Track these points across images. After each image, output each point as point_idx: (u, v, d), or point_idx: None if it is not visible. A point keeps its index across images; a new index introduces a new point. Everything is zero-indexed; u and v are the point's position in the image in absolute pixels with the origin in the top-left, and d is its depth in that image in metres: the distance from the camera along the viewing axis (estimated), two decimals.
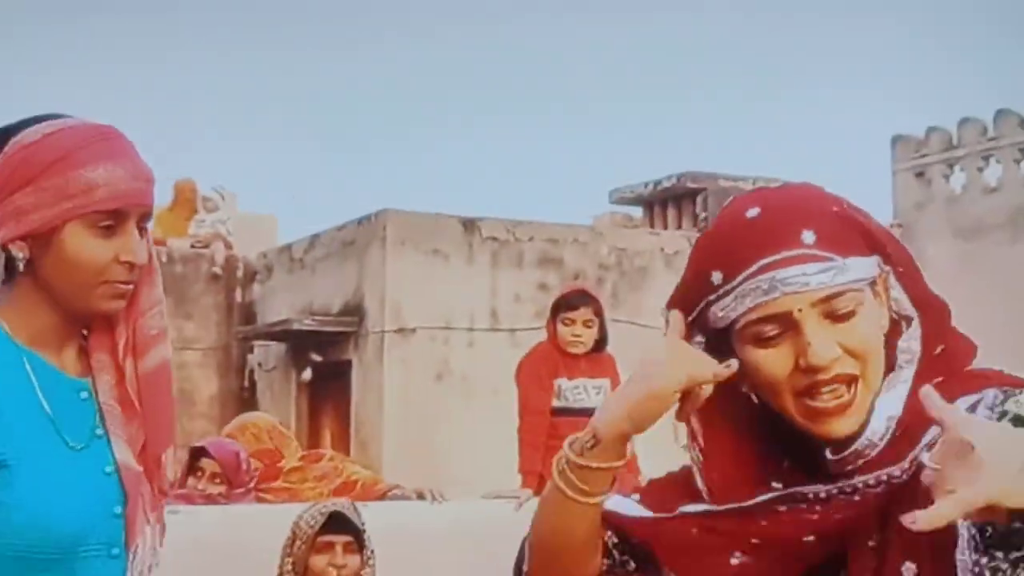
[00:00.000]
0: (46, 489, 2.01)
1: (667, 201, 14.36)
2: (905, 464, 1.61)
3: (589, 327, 6.04)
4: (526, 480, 5.76)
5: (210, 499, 5.26)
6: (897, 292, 1.69)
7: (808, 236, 1.61)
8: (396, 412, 11.21)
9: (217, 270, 14.18)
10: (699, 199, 14.06)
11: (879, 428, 1.63)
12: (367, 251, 12.08)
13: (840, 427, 1.62)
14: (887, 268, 1.68)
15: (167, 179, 14.92)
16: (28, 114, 2.09)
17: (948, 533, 1.52)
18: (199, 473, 5.30)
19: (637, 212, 15.69)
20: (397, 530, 5.03)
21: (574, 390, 5.90)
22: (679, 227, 14.15)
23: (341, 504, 4.20)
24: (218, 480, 5.31)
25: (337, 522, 4.09)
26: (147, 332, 2.15)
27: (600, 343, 6.10)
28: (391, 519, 5.14)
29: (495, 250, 12.19)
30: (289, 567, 4.06)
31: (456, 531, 5.22)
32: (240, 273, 14.31)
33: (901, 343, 1.68)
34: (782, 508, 1.65)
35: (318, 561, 4.04)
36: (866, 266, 1.64)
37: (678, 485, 1.79)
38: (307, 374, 12.84)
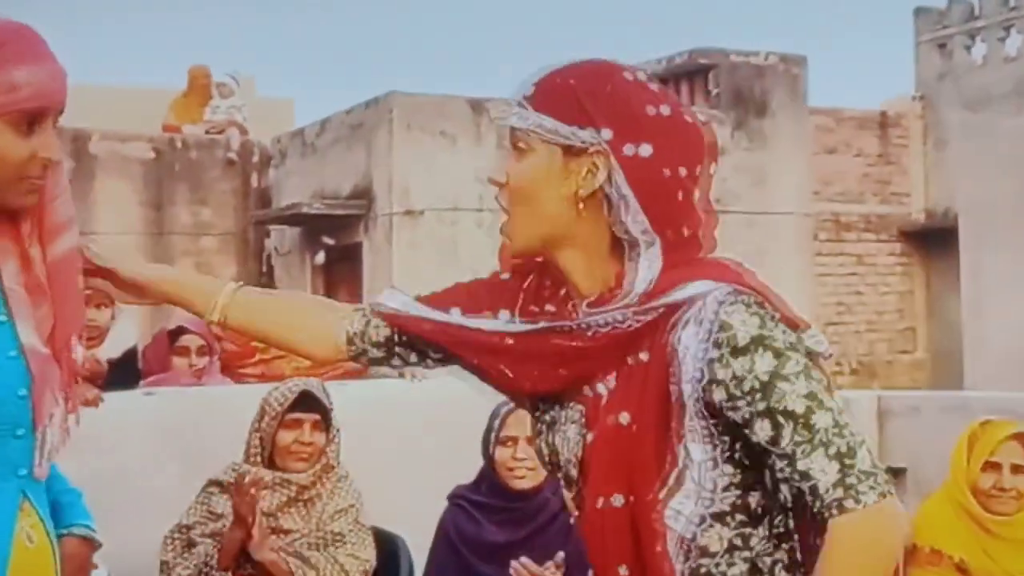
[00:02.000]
0: None
1: (679, 78, 14.23)
2: (630, 316, 1.96)
3: None
4: None
5: (198, 374, 5.35)
6: (618, 176, 1.95)
7: (528, 89, 2.03)
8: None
9: (232, 156, 14.21)
10: (711, 75, 13.93)
11: (639, 289, 1.96)
12: (375, 134, 12.07)
13: None
14: (602, 147, 1.95)
15: (182, 65, 14.93)
16: None
17: (659, 390, 1.94)
18: (184, 352, 5.39)
19: None
20: (377, 406, 5.12)
21: None
22: (692, 103, 14.04)
23: (311, 383, 4.26)
24: (204, 353, 5.41)
25: (306, 401, 4.15)
26: (54, 220, 2.20)
27: None
28: (371, 395, 5.23)
29: (503, 131, 12.12)
30: (256, 442, 4.13)
31: (433, 408, 5.29)
32: (256, 158, 14.33)
33: (628, 220, 1.96)
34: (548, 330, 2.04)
35: (285, 437, 4.11)
36: (561, 129, 1.98)
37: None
38: (320, 257, 12.93)
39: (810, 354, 1.99)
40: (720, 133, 13.30)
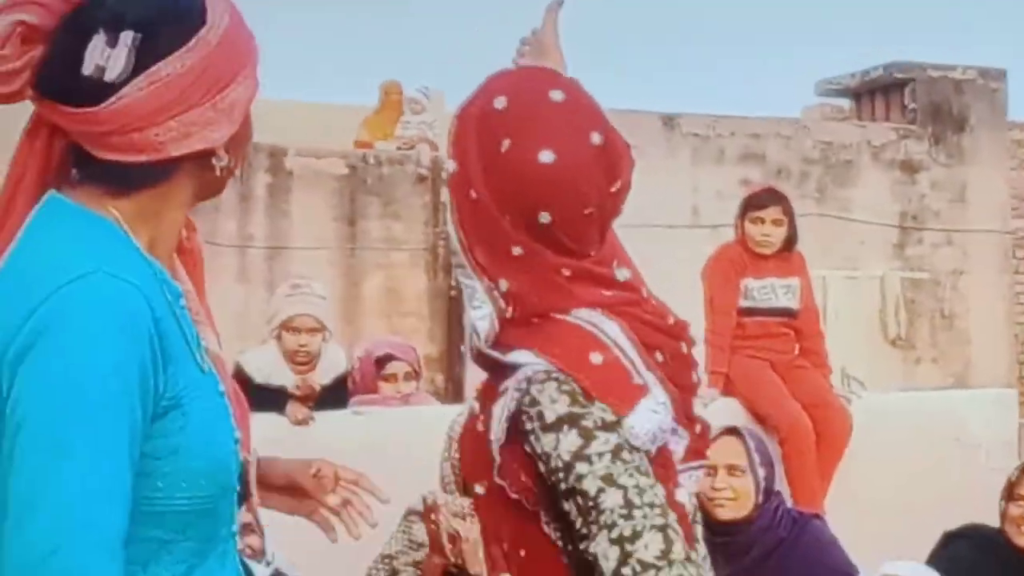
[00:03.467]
0: (209, 426, 1.73)
1: (875, 92, 13.94)
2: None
3: (778, 226, 5.95)
4: (712, 379, 5.76)
5: (404, 399, 5.43)
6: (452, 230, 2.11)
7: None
8: None
9: (423, 171, 14.37)
10: (907, 90, 13.60)
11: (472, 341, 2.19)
12: None
13: None
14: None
15: (373, 81, 15.16)
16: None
17: None
18: (391, 379, 5.45)
19: (846, 104, 15.28)
20: None
21: (762, 290, 5.84)
22: (887, 119, 13.74)
23: None
24: (410, 378, 5.48)
25: None
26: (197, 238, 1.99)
27: (789, 242, 6.02)
28: None
29: (696, 146, 12.06)
30: (448, 470, 4.12)
31: None
32: (445, 174, 14.45)
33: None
34: None
35: None
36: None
37: None
38: None
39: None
40: (917, 149, 13.10)
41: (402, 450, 4.82)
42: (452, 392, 12.83)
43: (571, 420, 1.91)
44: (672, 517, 1.83)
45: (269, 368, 5.42)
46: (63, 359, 1.56)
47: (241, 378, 4.89)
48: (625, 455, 1.89)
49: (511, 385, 1.99)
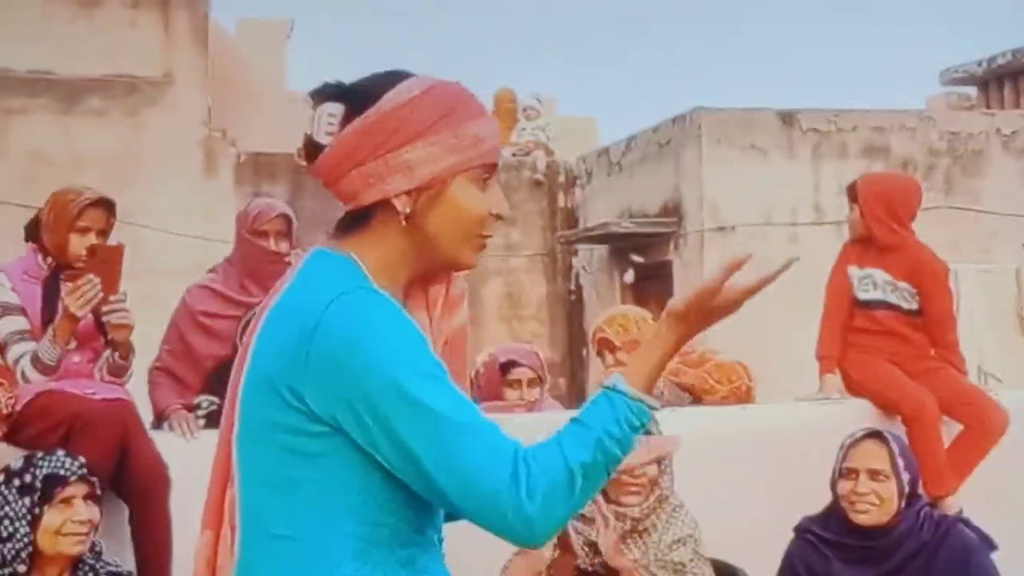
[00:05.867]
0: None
1: (1003, 79, 13.53)
2: None
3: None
4: (822, 365, 5.55)
5: (529, 406, 5.33)
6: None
7: None
8: None
9: (539, 177, 14.31)
10: None
11: None
12: (683, 151, 11.90)
13: None
14: None
15: (487, 89, 15.12)
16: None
17: None
18: (516, 384, 5.35)
19: (972, 92, 14.88)
20: (707, 432, 4.94)
21: (862, 279, 5.59)
22: (1016, 106, 13.32)
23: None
24: (534, 384, 5.38)
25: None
26: (456, 291, 2.19)
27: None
28: (702, 421, 5.06)
29: (816, 142, 11.79)
30: None
31: (763, 433, 5.10)
32: (561, 178, 14.39)
33: None
34: None
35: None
36: None
37: None
38: (629, 276, 12.83)
39: None
40: None
41: None
42: (574, 397, 12.73)
43: None
44: None
45: None
46: (383, 346, 1.90)
47: None
48: None
49: None
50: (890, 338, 5.48)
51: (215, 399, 4.92)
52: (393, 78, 2.07)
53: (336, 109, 2.06)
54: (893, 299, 5.46)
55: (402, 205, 2.03)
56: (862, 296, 5.51)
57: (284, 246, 5.16)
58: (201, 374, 5.04)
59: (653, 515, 3.98)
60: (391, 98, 2.03)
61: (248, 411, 2.01)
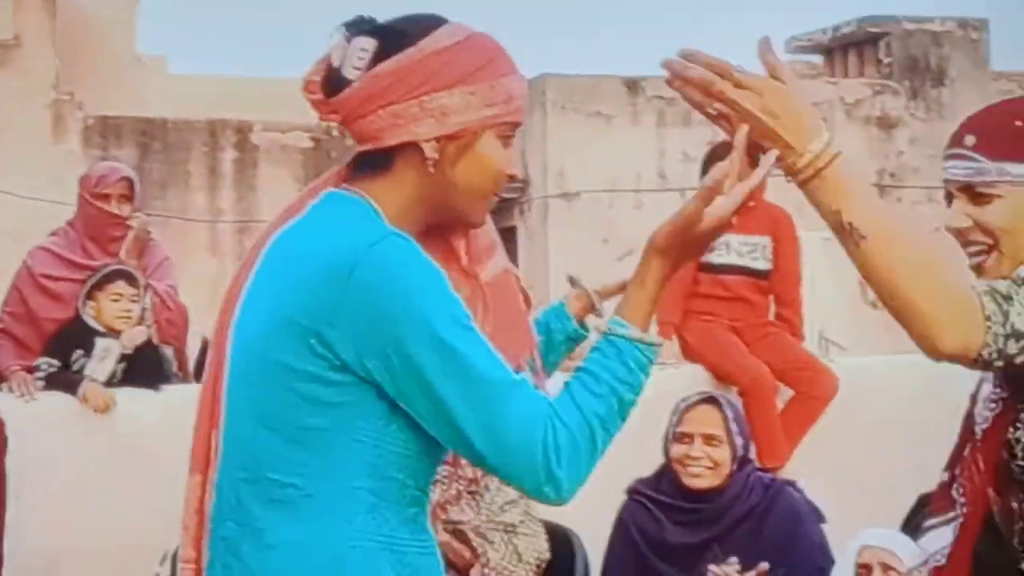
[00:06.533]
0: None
1: (847, 48, 13.82)
2: None
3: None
4: (660, 330, 5.63)
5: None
6: None
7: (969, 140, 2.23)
8: (563, 277, 11.11)
9: None
10: (882, 44, 13.48)
11: None
12: (528, 117, 11.90)
13: None
14: None
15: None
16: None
17: None
18: None
19: (818, 61, 15.18)
20: None
21: (717, 244, 5.67)
22: (861, 75, 13.64)
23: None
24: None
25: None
26: (481, 242, 2.15)
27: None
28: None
29: (661, 109, 11.95)
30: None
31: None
32: None
33: None
34: None
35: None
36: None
37: None
38: None
39: None
40: (894, 104, 13.02)
41: None
42: None
43: None
44: None
45: None
46: (422, 296, 1.88)
47: None
48: None
49: None
50: (734, 304, 5.56)
51: (55, 361, 4.89)
52: (433, 21, 2.03)
53: (369, 44, 1.99)
54: (747, 261, 5.53)
55: (430, 150, 1.98)
56: (716, 261, 5.49)
57: (126, 209, 5.12)
58: (41, 336, 5.00)
59: (487, 476, 4.03)
60: (433, 40, 1.99)
61: (251, 353, 1.96)
